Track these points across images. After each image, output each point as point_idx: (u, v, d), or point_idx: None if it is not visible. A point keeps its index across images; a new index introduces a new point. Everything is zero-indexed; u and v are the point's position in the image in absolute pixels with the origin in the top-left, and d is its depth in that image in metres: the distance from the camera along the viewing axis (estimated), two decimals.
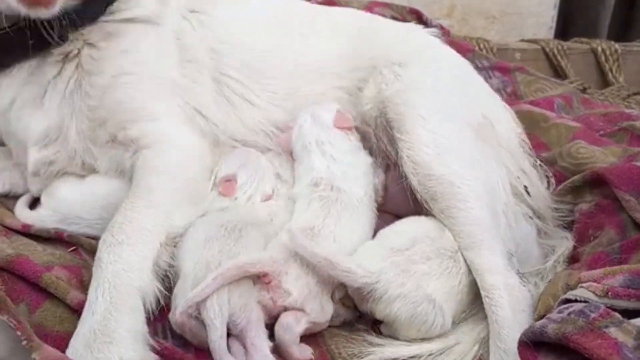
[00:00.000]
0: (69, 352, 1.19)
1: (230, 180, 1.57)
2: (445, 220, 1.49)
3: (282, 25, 1.86)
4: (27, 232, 1.58)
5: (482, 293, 1.39)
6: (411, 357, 1.33)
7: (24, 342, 1.09)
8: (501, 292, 1.37)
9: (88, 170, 1.61)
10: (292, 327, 1.31)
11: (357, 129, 1.73)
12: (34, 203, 1.70)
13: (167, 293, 1.35)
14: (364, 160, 1.66)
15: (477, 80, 1.91)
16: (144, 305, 1.28)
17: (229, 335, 1.26)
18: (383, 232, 1.50)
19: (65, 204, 1.59)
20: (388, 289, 1.33)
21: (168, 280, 1.38)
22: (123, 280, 1.27)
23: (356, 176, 1.59)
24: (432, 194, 1.50)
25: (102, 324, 1.19)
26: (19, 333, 1.11)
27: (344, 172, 1.58)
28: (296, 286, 1.33)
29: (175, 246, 1.40)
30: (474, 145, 1.58)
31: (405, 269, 1.36)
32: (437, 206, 1.50)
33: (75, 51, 1.54)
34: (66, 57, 1.53)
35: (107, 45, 1.56)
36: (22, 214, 1.66)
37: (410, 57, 1.76)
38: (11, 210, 1.70)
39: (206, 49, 1.71)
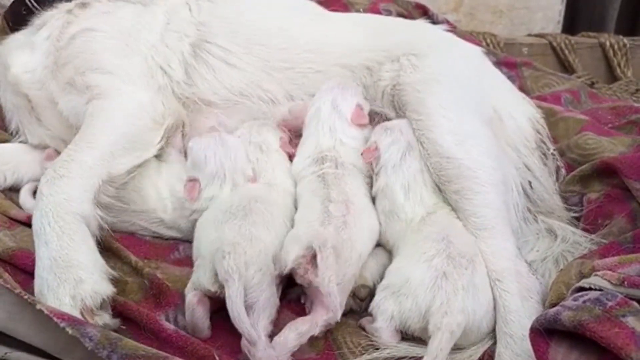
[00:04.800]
0: (36, 282, 1.28)
1: (192, 180, 1.58)
2: (459, 202, 1.50)
3: (292, 8, 1.95)
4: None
5: (492, 276, 1.39)
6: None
7: (26, 297, 1.12)
8: (511, 277, 1.37)
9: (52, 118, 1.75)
10: (308, 333, 1.28)
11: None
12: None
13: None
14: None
15: (490, 70, 1.94)
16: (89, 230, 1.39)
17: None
18: (406, 264, 1.41)
19: None
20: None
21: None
22: (65, 209, 1.37)
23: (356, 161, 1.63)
24: (449, 176, 1.52)
25: (61, 252, 1.29)
26: (18, 291, 1.13)
27: (349, 155, 1.62)
28: (328, 266, 1.30)
29: (118, 187, 1.54)
30: (491, 140, 1.61)
31: (466, 283, 1.33)
32: (452, 187, 1.51)
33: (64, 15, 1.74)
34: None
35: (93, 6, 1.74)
36: (27, 203, 1.67)
37: (425, 48, 1.80)
38: (16, 202, 1.70)
39: (195, 23, 1.80)
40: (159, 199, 1.61)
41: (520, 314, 1.32)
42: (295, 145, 1.73)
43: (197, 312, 1.30)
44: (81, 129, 1.57)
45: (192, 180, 1.57)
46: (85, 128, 1.56)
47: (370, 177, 1.61)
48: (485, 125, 1.64)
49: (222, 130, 1.70)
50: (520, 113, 1.78)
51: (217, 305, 1.33)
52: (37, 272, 1.29)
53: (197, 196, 1.55)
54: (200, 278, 1.32)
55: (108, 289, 1.28)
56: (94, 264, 1.30)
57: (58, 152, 1.75)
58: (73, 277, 1.25)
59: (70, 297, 1.23)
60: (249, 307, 1.26)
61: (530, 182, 1.68)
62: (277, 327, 1.32)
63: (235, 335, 1.27)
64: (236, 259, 1.28)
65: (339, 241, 1.35)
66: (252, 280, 1.28)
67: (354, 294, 1.43)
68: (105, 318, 1.26)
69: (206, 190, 1.55)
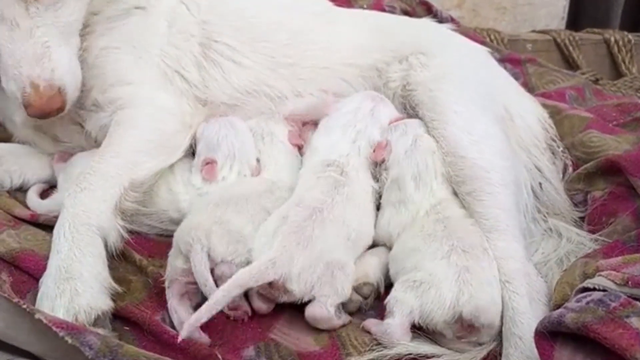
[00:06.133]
0: (42, 289, 1.28)
1: (209, 162, 1.61)
2: (471, 203, 1.50)
3: (293, 3, 1.94)
4: (36, 222, 1.59)
5: (502, 278, 1.39)
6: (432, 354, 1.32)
7: (24, 306, 1.11)
8: (521, 279, 1.37)
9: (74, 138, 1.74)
10: (324, 319, 1.33)
11: None
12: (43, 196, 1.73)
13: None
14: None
15: (497, 69, 1.94)
16: (107, 243, 1.40)
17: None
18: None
19: None
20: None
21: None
22: (82, 220, 1.37)
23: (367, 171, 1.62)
24: (463, 176, 1.53)
25: (66, 262, 1.29)
26: (16, 300, 1.13)
27: (360, 164, 1.61)
28: (299, 283, 1.33)
29: (143, 192, 1.53)
30: (503, 139, 1.62)
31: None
32: (465, 189, 1.52)
33: None
34: None
35: (98, 28, 1.68)
36: (34, 203, 1.67)
37: (434, 47, 1.80)
38: (20, 201, 1.70)
39: (198, 21, 1.79)
40: (172, 199, 1.62)
41: (529, 316, 1.32)
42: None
43: (179, 311, 1.31)
44: (106, 138, 1.57)
45: (210, 162, 1.61)
46: (109, 137, 1.57)
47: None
48: (497, 124, 1.65)
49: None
50: (530, 113, 1.79)
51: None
52: (43, 278, 1.29)
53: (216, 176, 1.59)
54: (172, 262, 1.36)
55: (105, 305, 1.26)
56: (95, 277, 1.29)
57: (70, 154, 1.75)
58: (70, 290, 1.24)
59: (64, 310, 1.22)
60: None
61: (540, 184, 1.69)
62: (283, 327, 1.36)
63: (237, 334, 1.28)
64: (198, 232, 1.32)
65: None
66: (217, 248, 1.32)
67: (356, 291, 1.42)
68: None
69: (220, 172, 1.60)
